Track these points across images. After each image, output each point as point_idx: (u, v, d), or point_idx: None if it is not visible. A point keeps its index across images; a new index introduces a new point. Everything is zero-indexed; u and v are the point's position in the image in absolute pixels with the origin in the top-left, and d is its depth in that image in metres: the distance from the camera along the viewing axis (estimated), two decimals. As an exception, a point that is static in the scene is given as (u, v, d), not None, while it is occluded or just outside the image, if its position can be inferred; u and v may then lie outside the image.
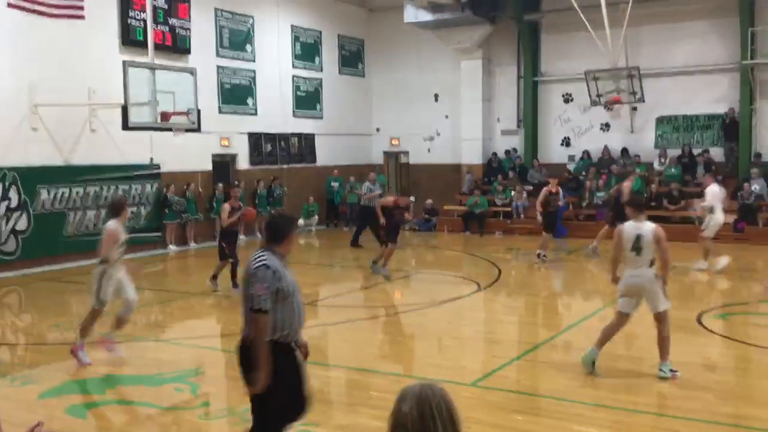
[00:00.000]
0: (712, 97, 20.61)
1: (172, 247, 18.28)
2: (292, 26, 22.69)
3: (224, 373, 8.54)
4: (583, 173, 21.48)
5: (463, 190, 23.01)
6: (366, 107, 25.78)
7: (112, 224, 8.42)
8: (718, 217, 13.73)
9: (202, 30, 19.42)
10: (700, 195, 19.10)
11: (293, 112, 22.85)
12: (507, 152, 23.64)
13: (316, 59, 23.77)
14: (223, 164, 20.45)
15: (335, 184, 23.19)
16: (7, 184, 15.17)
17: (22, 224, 15.46)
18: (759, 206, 18.40)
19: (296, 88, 22.94)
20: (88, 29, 16.14)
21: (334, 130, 24.19)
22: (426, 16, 22.21)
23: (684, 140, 21.07)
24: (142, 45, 16.74)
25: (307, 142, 23.30)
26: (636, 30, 19.78)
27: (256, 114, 21.39)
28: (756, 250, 16.67)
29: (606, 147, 21.92)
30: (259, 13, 21.45)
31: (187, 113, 16.20)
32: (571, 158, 22.56)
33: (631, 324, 8.04)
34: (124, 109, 15.55)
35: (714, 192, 13.84)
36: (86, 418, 6.94)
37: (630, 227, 7.56)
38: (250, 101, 21.21)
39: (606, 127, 22.08)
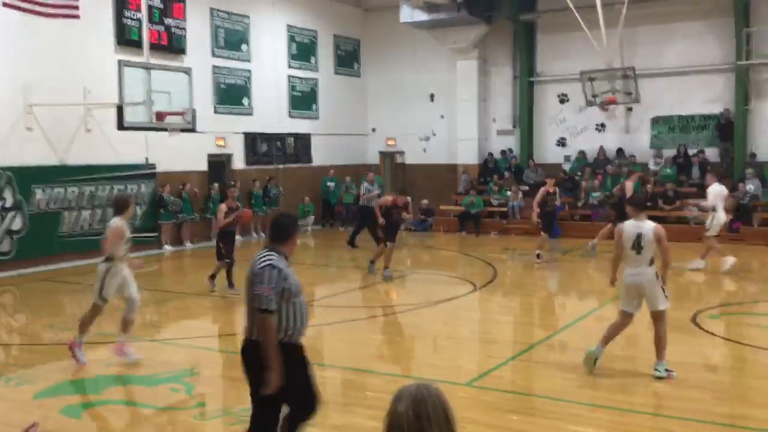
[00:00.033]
0: (708, 97, 20.65)
1: (168, 248, 18.26)
2: (287, 26, 22.68)
3: (220, 373, 8.53)
4: (579, 173, 21.51)
5: (459, 190, 23.02)
6: (362, 107, 25.77)
7: (117, 221, 8.37)
8: (720, 216, 13.73)
9: (197, 30, 19.39)
10: (696, 195, 19.23)
11: (289, 112, 22.83)
12: (503, 152, 23.66)
13: (312, 59, 23.75)
14: (218, 164, 20.43)
15: (331, 184, 23.18)
16: (2, 183, 15.13)
17: (17, 224, 15.42)
18: (754, 206, 18.44)
19: (292, 88, 22.92)
20: (83, 29, 16.11)
21: (330, 130, 24.19)
22: (422, 16, 22.21)
23: (679, 140, 21.10)
24: (138, 45, 16.70)
25: (302, 142, 23.28)
26: (631, 30, 19.81)
27: (251, 114, 21.37)
28: (751, 250, 16.71)
29: (601, 147, 21.96)
30: (255, 12, 21.43)
31: (183, 113, 16.17)
32: (567, 158, 22.58)
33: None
34: (120, 109, 15.53)
35: (716, 191, 13.83)
36: (81, 418, 6.92)
37: (630, 226, 7.59)
38: (245, 101, 21.19)
39: (601, 127, 22.10)
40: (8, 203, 15.27)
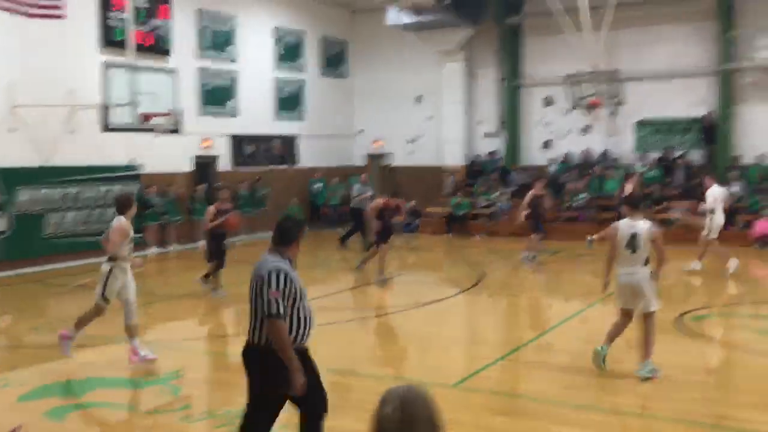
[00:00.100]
0: (692, 100, 20.79)
1: (153, 249, 18.17)
2: (274, 27, 22.64)
3: (206, 375, 8.50)
4: (565, 176, 21.59)
5: (445, 192, 23.04)
6: (348, 109, 25.77)
7: (120, 220, 8.25)
8: (719, 218, 13.78)
9: (183, 31, 19.32)
10: (681, 198, 19.38)
11: (275, 113, 22.79)
12: (490, 154, 23.72)
13: (299, 60, 23.72)
14: (204, 166, 20.35)
15: (318, 186, 23.15)
16: (-15, 185, 15.02)
17: (1, 225, 15.30)
18: (738, 209, 18.58)
19: (278, 89, 22.88)
20: (67, 29, 15.98)
21: (317, 131, 24.16)
22: (408, 18, 22.23)
23: (664, 143, 21.24)
24: (123, 46, 16.61)
25: (289, 143, 23.25)
26: (616, 34, 19.91)
27: (238, 115, 21.31)
28: (735, 252, 16.81)
29: (586, 150, 22.08)
30: (242, 14, 21.37)
31: (168, 114, 16.11)
32: (552, 161, 22.67)
33: (611, 324, 8.08)
34: (104, 110, 15.45)
35: (715, 194, 13.84)
36: (66, 421, 6.88)
37: (625, 225, 7.63)
38: (231, 102, 21.13)
39: (586, 130, 22.20)
40: (-8, 204, 15.16)
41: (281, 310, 4.62)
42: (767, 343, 9.23)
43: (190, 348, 9.50)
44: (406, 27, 22.69)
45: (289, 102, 23.32)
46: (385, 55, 24.86)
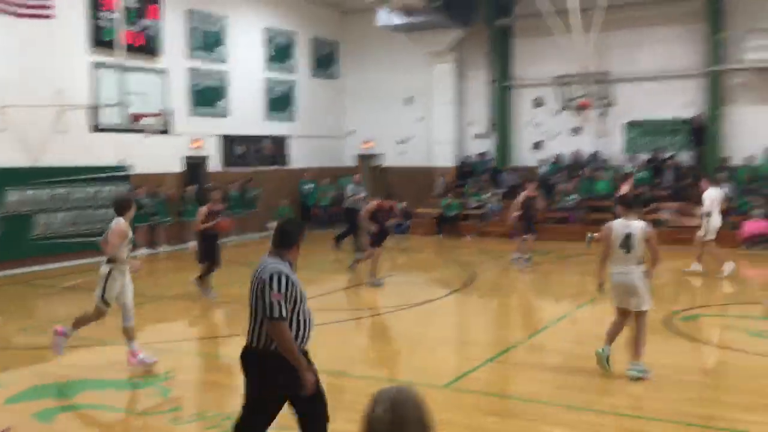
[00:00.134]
0: (681, 101, 20.89)
1: (142, 250, 18.08)
2: (265, 28, 22.60)
3: (196, 377, 8.47)
4: (555, 177, 21.65)
5: (436, 192, 23.06)
6: (339, 110, 25.76)
7: (119, 222, 8.14)
8: (716, 220, 13.81)
9: (173, 31, 19.26)
10: (670, 199, 19.46)
11: (266, 114, 22.76)
12: (480, 155, 23.76)
13: (290, 61, 23.70)
14: (194, 166, 20.29)
15: (308, 187, 23.13)
16: (-27, 185, 14.92)
17: (-12, 226, 15.21)
18: (727, 210, 18.64)
19: (269, 90, 22.85)
20: (56, 29, 15.92)
21: (308, 132, 24.14)
22: (399, 19, 22.24)
23: (653, 144, 21.34)
24: (112, 46, 16.55)
25: (280, 144, 23.22)
26: (606, 35, 19.99)
27: (228, 116, 21.27)
28: (723, 252, 16.89)
29: (576, 151, 22.15)
30: (232, 14, 21.33)
31: (160, 114, 16.06)
32: (542, 162, 22.73)
33: (602, 325, 8.11)
34: (94, 110, 15.38)
35: (712, 197, 13.83)
36: (55, 422, 6.84)
37: (619, 225, 7.67)
38: (222, 103, 21.08)
39: (576, 131, 22.27)
40: (-20, 205, 15.06)
41: (284, 313, 4.59)
42: (757, 343, 9.27)
43: (181, 349, 9.47)
44: (397, 28, 22.70)
45: (280, 102, 23.29)
46: (376, 56, 24.87)
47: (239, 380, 8.23)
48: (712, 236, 13.79)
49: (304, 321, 4.76)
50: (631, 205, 7.98)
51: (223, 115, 21.10)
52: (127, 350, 8.32)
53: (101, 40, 17.04)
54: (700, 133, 20.67)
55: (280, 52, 23.24)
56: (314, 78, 24.76)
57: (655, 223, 18.27)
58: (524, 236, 15.49)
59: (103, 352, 8.98)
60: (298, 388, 4.66)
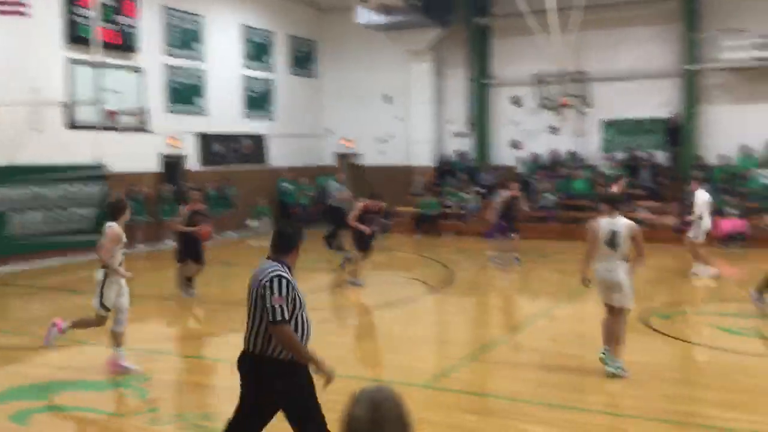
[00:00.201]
0: (657, 101, 21.09)
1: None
2: (242, 26, 22.49)
3: (173, 378, 8.40)
4: (535, 177, 21.74)
5: (414, 191, 23.06)
6: (318, 108, 25.70)
7: (113, 226, 7.99)
8: (706, 223, 13.87)
9: (150, 28, 19.10)
10: (650, 198, 19.62)
11: (244, 112, 22.65)
12: (459, 154, 23.82)
13: (268, 59, 23.60)
14: (172, 165, 20.13)
15: (287, 186, 23.05)
16: (-54, 184, 14.69)
17: (-38, 226, 14.99)
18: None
19: (247, 88, 22.74)
20: (32, 26, 15.72)
21: (286, 131, 24.06)
22: (377, 18, 22.23)
23: (629, 144, 21.51)
24: (88, 43, 16.38)
25: (258, 143, 23.12)
26: (583, 35, 20.12)
27: (206, 114, 21.13)
28: (710, 257, 17.06)
29: (554, 150, 22.27)
30: (209, 12, 21.20)
31: (136, 113, 15.92)
32: (521, 161, 22.83)
33: (580, 323, 8.20)
34: (69, 108, 15.21)
35: (704, 199, 13.87)
36: (30, 424, 6.75)
37: (605, 223, 7.73)
38: (199, 101, 20.94)
39: (554, 130, 22.38)
40: (-47, 204, 14.83)
41: (286, 316, 4.54)
42: (732, 340, 9.38)
43: (158, 350, 9.39)
44: (376, 27, 22.70)
45: (258, 101, 23.19)
46: (355, 54, 24.84)
47: (218, 380, 8.24)
48: (702, 238, 13.87)
49: (303, 326, 4.70)
50: (617, 203, 8.04)
51: (201, 113, 20.97)
52: (112, 355, 8.16)
53: (77, 36, 16.86)
54: (676, 132, 20.88)
55: (258, 51, 23.15)
56: (293, 76, 24.68)
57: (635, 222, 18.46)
58: (512, 235, 15.48)
59: (80, 353, 8.88)
60: (295, 393, 4.64)
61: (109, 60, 16.56)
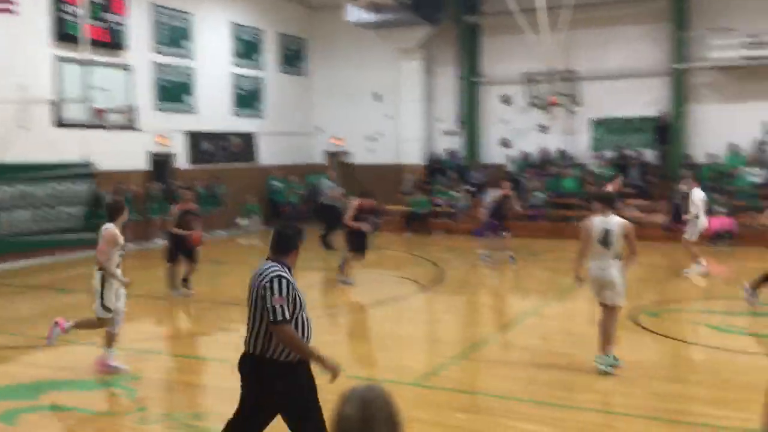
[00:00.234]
0: (646, 100, 21.15)
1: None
2: (231, 23, 22.41)
3: (162, 377, 8.36)
4: (524, 175, 21.76)
5: (404, 190, 23.05)
6: (308, 106, 25.64)
7: (110, 227, 7.91)
8: (703, 221, 13.93)
9: (139, 26, 18.99)
10: (639, 196, 19.67)
11: (233, 110, 22.57)
12: (450, 153, 23.82)
13: (257, 57, 23.53)
14: (161, 163, 20.03)
15: (277, 184, 23.00)
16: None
17: (-52, 224, 14.86)
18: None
19: (236, 86, 22.66)
20: (19, 23, 15.59)
21: (276, 129, 24.00)
22: (367, 16, 22.20)
23: (618, 142, 21.58)
24: (76, 40, 16.26)
25: (248, 141, 23.04)
26: (573, 34, 20.15)
27: (195, 112, 21.04)
28: (701, 256, 17.13)
29: (544, 148, 22.31)
30: (199, 9, 21.11)
31: (124, 111, 15.83)
32: (510, 159, 22.85)
33: (570, 321, 8.21)
34: (57, 106, 15.09)
35: (700, 197, 13.91)
36: (18, 423, 6.70)
37: (598, 222, 7.74)
38: (188, 99, 20.85)
39: (544, 128, 22.42)
40: (-61, 203, 14.69)
41: (287, 315, 4.51)
42: (721, 338, 9.42)
43: (148, 349, 9.34)
44: (366, 25, 22.67)
45: (248, 99, 23.12)
46: (345, 52, 24.80)
47: (207, 380, 8.21)
48: (695, 237, 13.93)
49: (303, 327, 4.67)
50: (610, 202, 8.06)
51: (190, 111, 20.88)
52: (102, 354, 8.10)
53: (65, 34, 16.74)
54: (665, 131, 20.95)
55: (247, 48, 23.07)
56: (282, 74, 24.62)
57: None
58: (504, 234, 15.47)
59: (68, 353, 8.81)
60: (296, 393, 4.61)
61: (98, 58, 16.44)
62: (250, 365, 4.69)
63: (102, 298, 7.86)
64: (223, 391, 7.58)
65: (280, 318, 4.49)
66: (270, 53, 24.03)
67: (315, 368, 4.74)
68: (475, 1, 23.19)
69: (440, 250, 18.13)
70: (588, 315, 8.02)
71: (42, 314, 10.80)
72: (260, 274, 4.63)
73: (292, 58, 25.13)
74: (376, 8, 21.76)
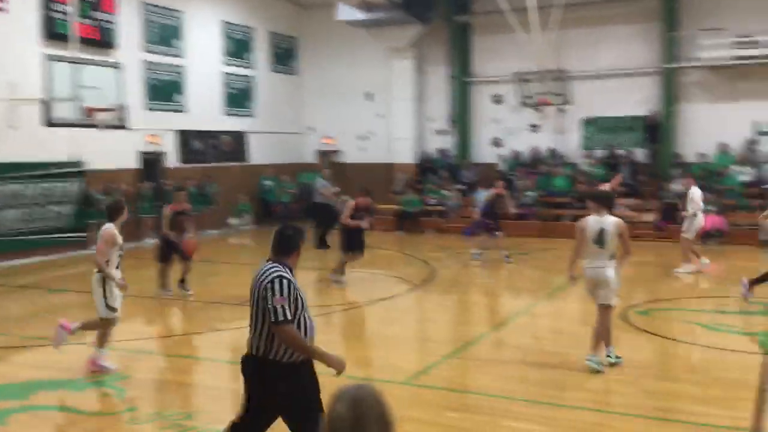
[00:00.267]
0: (637, 99, 21.21)
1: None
2: (222, 22, 22.35)
3: (152, 376, 8.33)
4: (515, 174, 21.78)
5: (396, 189, 23.06)
6: (299, 105, 25.61)
7: (110, 227, 7.86)
8: (700, 220, 13.97)
9: (129, 24, 18.91)
10: (629, 195, 19.72)
11: (224, 109, 22.51)
12: (441, 152, 23.83)
13: (248, 56, 23.47)
14: (151, 162, 19.96)
15: (269, 183, 22.96)
16: None
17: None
18: (676, 206, 18.97)
19: (227, 85, 22.60)
20: (8, 21, 15.52)
21: (267, 128, 23.95)
22: (358, 15, 22.19)
23: (609, 141, 21.63)
24: (66, 39, 16.17)
25: (239, 140, 22.99)
26: (563, 33, 20.19)
27: (185, 111, 20.98)
28: (676, 247, 17.19)
29: (535, 147, 22.35)
30: (189, 8, 21.04)
31: (114, 110, 15.76)
32: (502, 158, 22.88)
33: (562, 320, 8.23)
34: (47, 105, 15.01)
35: (699, 195, 13.95)
36: (8, 423, 6.66)
37: (593, 221, 7.75)
38: (179, 98, 20.78)
39: (535, 127, 22.45)
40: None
41: (288, 315, 4.49)
42: (712, 336, 9.46)
43: (138, 349, 9.30)
44: (357, 24, 22.66)
45: (239, 98, 23.06)
46: (336, 51, 24.77)
47: (198, 379, 8.18)
48: (692, 235, 13.97)
49: (305, 327, 4.65)
50: (606, 201, 8.06)
51: (180, 110, 20.81)
52: (92, 354, 8.05)
53: (54, 32, 16.64)
54: (655, 130, 21.03)
55: (238, 47, 23.02)
56: (273, 73, 24.57)
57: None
58: (497, 233, 15.46)
59: (58, 352, 8.75)
60: (298, 394, 4.60)
61: (87, 56, 16.36)
62: (252, 366, 4.68)
63: (105, 298, 7.82)
64: (213, 391, 7.56)
65: (281, 318, 4.48)
66: (261, 52, 23.98)
67: (318, 368, 4.73)
68: (466, 0, 23.20)
69: (432, 249, 18.13)
70: (579, 314, 8.03)
71: (32, 314, 10.75)
72: (261, 275, 4.63)
73: (283, 56, 25.08)
74: (368, 7, 21.75)
